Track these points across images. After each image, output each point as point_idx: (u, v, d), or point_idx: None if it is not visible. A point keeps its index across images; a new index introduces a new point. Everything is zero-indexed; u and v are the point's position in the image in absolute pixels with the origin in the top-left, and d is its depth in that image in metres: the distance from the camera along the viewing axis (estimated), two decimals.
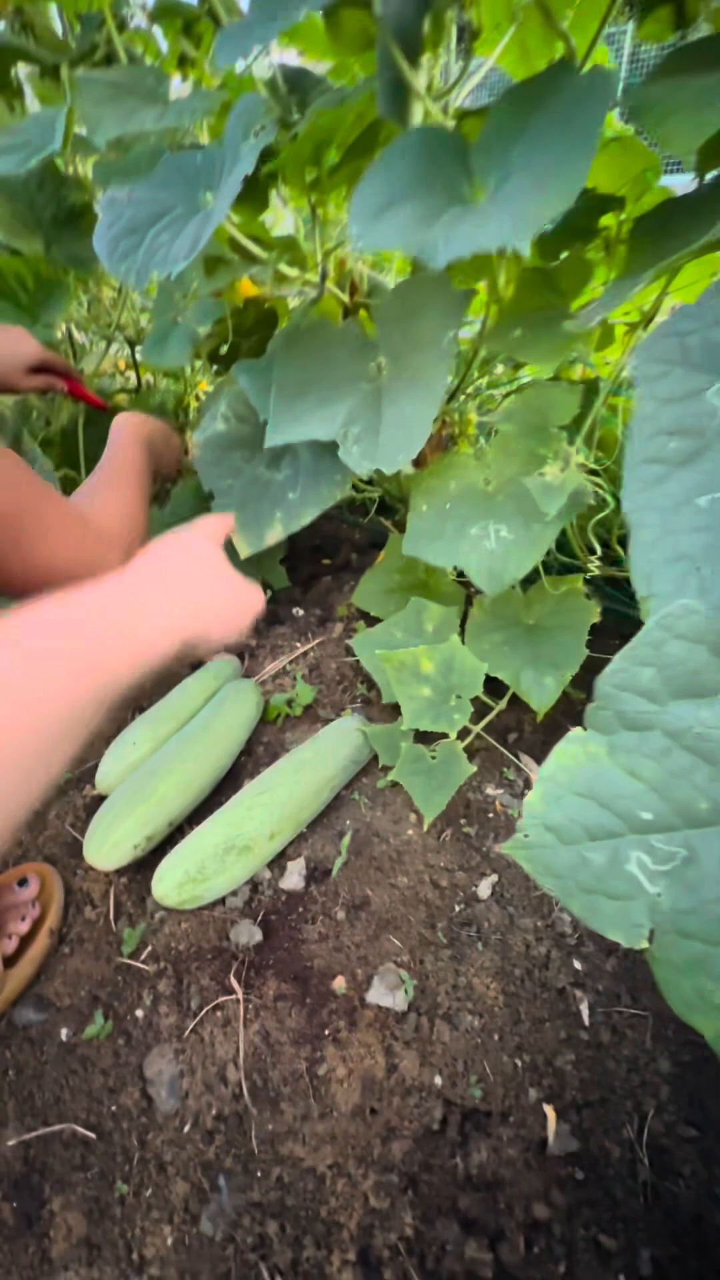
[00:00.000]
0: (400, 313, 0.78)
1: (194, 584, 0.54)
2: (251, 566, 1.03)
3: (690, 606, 0.34)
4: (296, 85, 1.02)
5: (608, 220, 0.90)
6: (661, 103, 0.51)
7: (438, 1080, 0.61)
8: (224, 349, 1.19)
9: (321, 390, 0.83)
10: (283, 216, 1.40)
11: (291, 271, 0.94)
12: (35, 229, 1.13)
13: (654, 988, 0.36)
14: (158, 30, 1.17)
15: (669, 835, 0.35)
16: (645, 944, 0.34)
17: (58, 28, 1.19)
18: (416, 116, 0.80)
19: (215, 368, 1.32)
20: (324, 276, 0.92)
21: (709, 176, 0.65)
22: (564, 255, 0.87)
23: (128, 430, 0.87)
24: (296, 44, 1.12)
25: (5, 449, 0.63)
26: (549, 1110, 0.61)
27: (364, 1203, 0.56)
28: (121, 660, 0.43)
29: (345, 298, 1.08)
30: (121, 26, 1.10)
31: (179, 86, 1.13)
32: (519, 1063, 0.63)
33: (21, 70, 1.21)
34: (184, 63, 1.17)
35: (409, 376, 0.76)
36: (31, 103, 1.24)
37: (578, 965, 0.69)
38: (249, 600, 0.59)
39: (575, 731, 0.37)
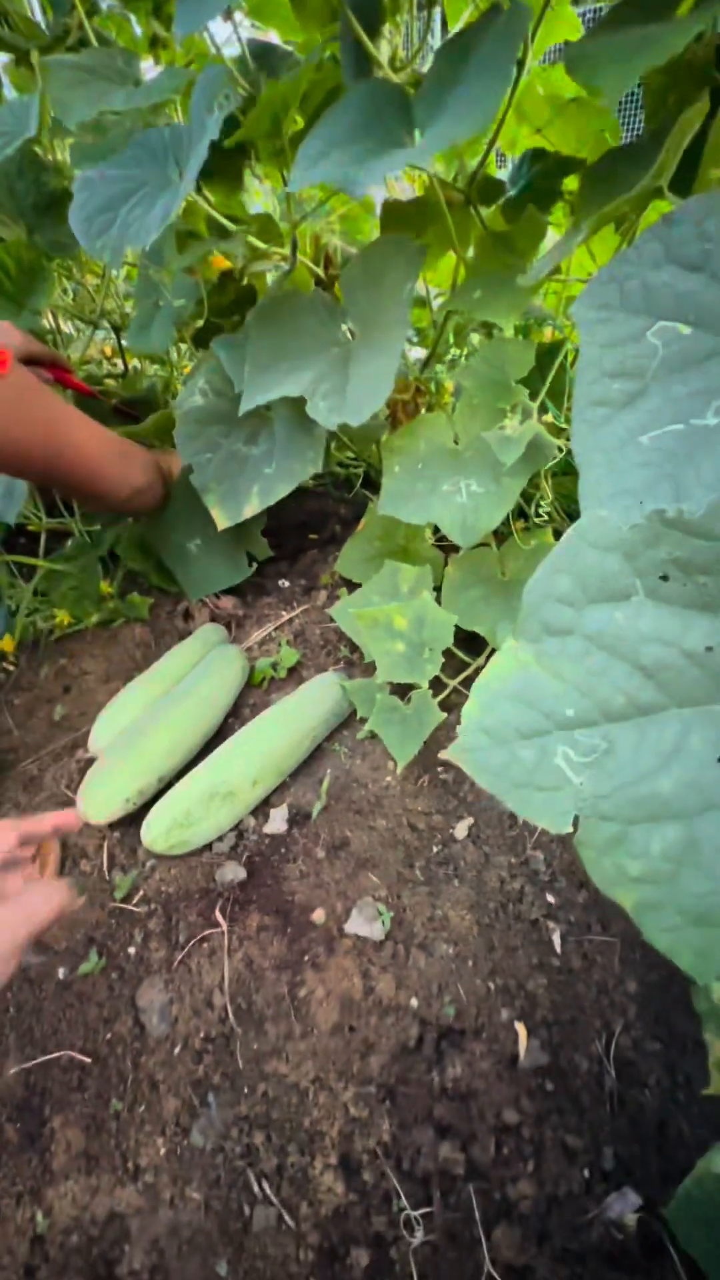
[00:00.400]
0: (365, 277, 0.81)
1: None
2: (233, 537, 1.05)
3: (601, 517, 0.37)
4: (264, 60, 1.04)
5: (570, 183, 0.92)
6: (595, 55, 0.53)
7: (413, 1002, 0.65)
8: (203, 328, 1.21)
9: (293, 359, 0.85)
10: (261, 196, 1.42)
11: (262, 244, 0.97)
12: (17, 216, 1.15)
13: (624, 916, 0.38)
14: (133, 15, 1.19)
15: (590, 730, 0.38)
16: (570, 829, 0.37)
17: (35, 13, 1.21)
18: None
19: (201, 353, 1.34)
20: (294, 247, 0.94)
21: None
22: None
23: None
24: (268, 24, 1.14)
25: (24, 372, 0.75)
26: (520, 1028, 0.64)
27: (344, 1113, 0.60)
28: None
29: (320, 271, 1.10)
30: (92, 11, 1.12)
31: (151, 69, 1.14)
32: (492, 986, 0.66)
33: None
34: (155, 44, 1.19)
35: (376, 337, 0.79)
36: (8, 90, 1.26)
37: (550, 899, 0.72)
38: (26, 917, 0.48)
39: (508, 642, 0.40)
